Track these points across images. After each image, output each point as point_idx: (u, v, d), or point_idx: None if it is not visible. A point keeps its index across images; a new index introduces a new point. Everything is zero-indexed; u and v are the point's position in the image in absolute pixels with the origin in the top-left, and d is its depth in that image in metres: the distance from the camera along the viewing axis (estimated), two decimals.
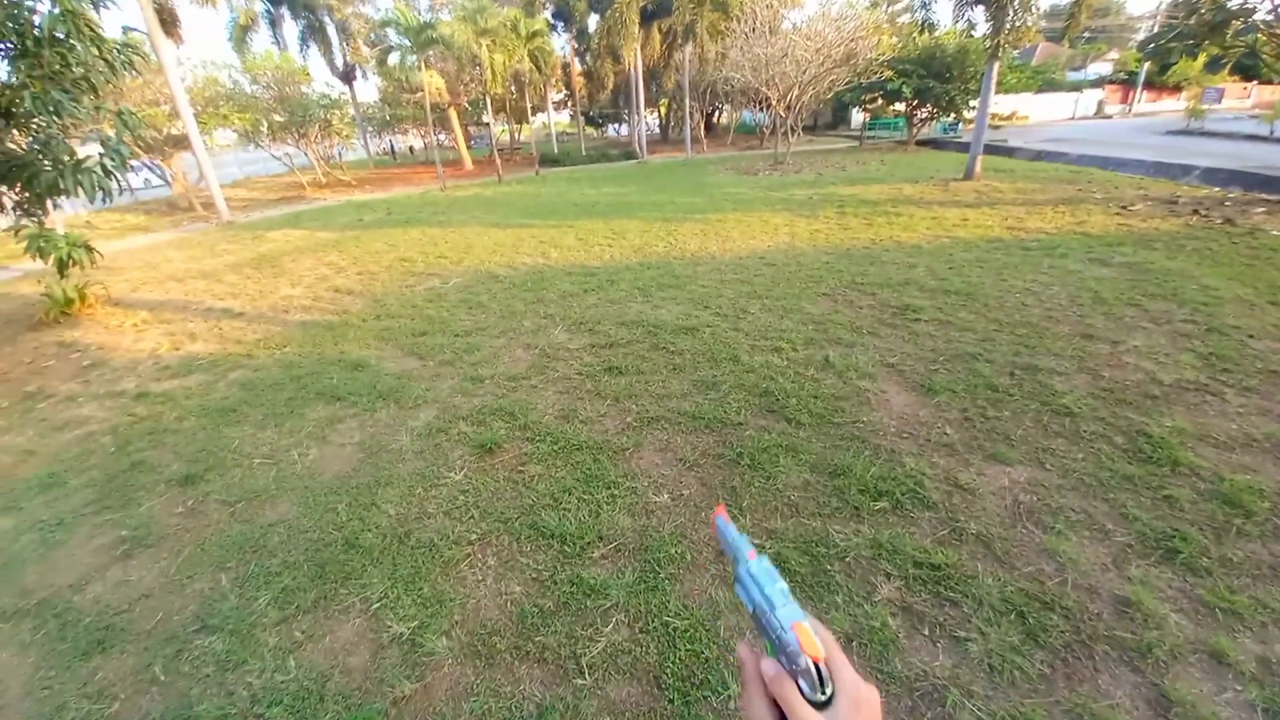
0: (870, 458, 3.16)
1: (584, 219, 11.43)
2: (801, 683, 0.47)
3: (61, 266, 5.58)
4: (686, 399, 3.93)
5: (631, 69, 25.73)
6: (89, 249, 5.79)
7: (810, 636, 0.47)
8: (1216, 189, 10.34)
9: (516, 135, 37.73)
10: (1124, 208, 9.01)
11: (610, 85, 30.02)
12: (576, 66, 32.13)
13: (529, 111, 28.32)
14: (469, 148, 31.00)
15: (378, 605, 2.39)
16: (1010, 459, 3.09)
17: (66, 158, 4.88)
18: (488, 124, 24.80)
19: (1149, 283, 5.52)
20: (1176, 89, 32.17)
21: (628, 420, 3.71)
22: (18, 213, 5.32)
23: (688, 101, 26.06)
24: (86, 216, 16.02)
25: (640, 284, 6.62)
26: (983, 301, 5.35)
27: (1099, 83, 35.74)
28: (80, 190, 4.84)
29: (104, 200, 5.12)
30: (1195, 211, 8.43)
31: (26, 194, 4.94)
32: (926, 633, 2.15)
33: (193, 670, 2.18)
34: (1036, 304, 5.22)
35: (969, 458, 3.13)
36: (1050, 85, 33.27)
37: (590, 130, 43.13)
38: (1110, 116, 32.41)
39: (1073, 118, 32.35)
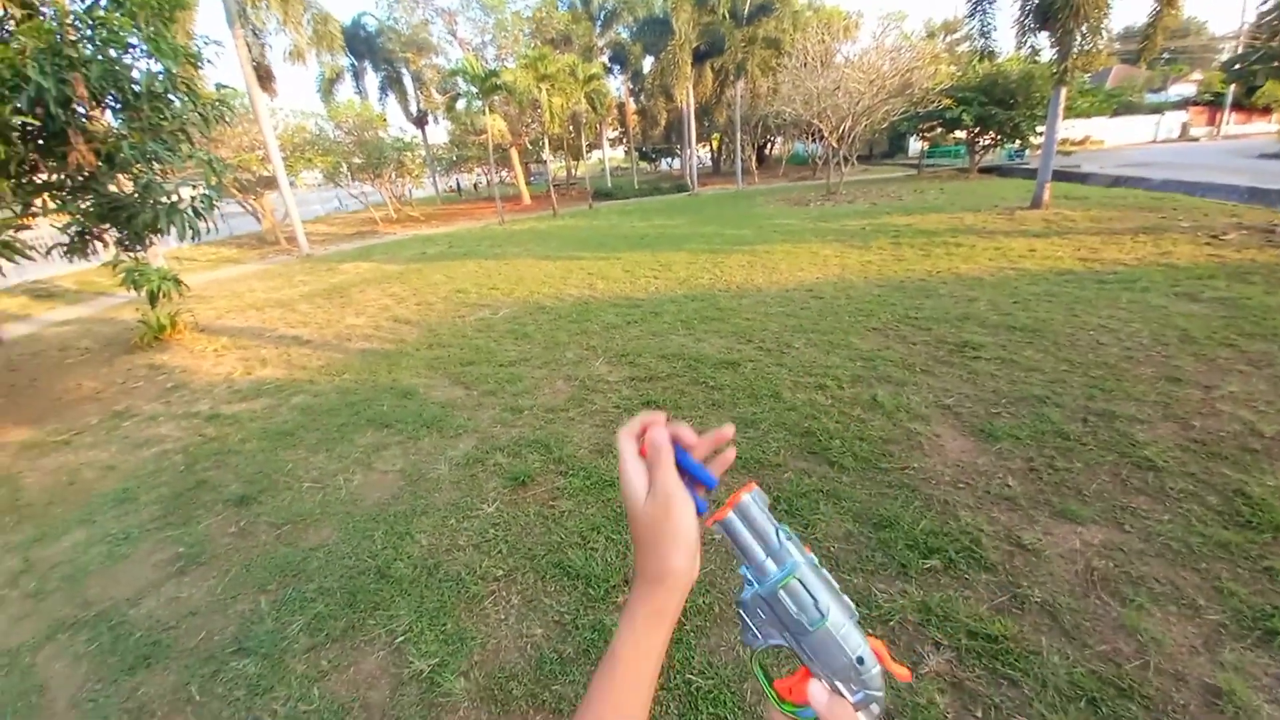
0: (920, 509, 2.94)
1: (632, 251, 11.60)
2: (863, 717, 0.41)
3: (153, 298, 6.16)
4: None
5: (684, 106, 26.37)
6: (177, 282, 6.37)
7: (887, 652, 0.41)
8: None
9: (573, 171, 39.23)
10: (1215, 237, 8.26)
11: (663, 122, 30.88)
12: (631, 105, 33.26)
13: (585, 148, 29.45)
14: (528, 183, 32.49)
15: (402, 639, 2.39)
16: (1082, 517, 2.79)
17: (164, 200, 5.42)
18: (545, 161, 25.91)
19: (1245, 320, 4.98)
20: (1267, 110, 29.77)
21: None
22: (119, 248, 5.93)
23: (739, 135, 26.36)
24: (187, 250, 17.73)
25: (683, 316, 6.59)
26: (1051, 339, 4.98)
27: (1182, 105, 33.58)
28: (173, 229, 5.35)
29: (194, 239, 5.64)
30: None
31: (126, 231, 5.51)
32: (980, 715, 1.92)
33: (225, 693, 2.24)
34: (1114, 342, 4.80)
35: (1034, 514, 2.85)
36: (1127, 108, 31.49)
37: (643, 164, 44.30)
38: (1197, 139, 30.27)
39: (1154, 141, 30.44)
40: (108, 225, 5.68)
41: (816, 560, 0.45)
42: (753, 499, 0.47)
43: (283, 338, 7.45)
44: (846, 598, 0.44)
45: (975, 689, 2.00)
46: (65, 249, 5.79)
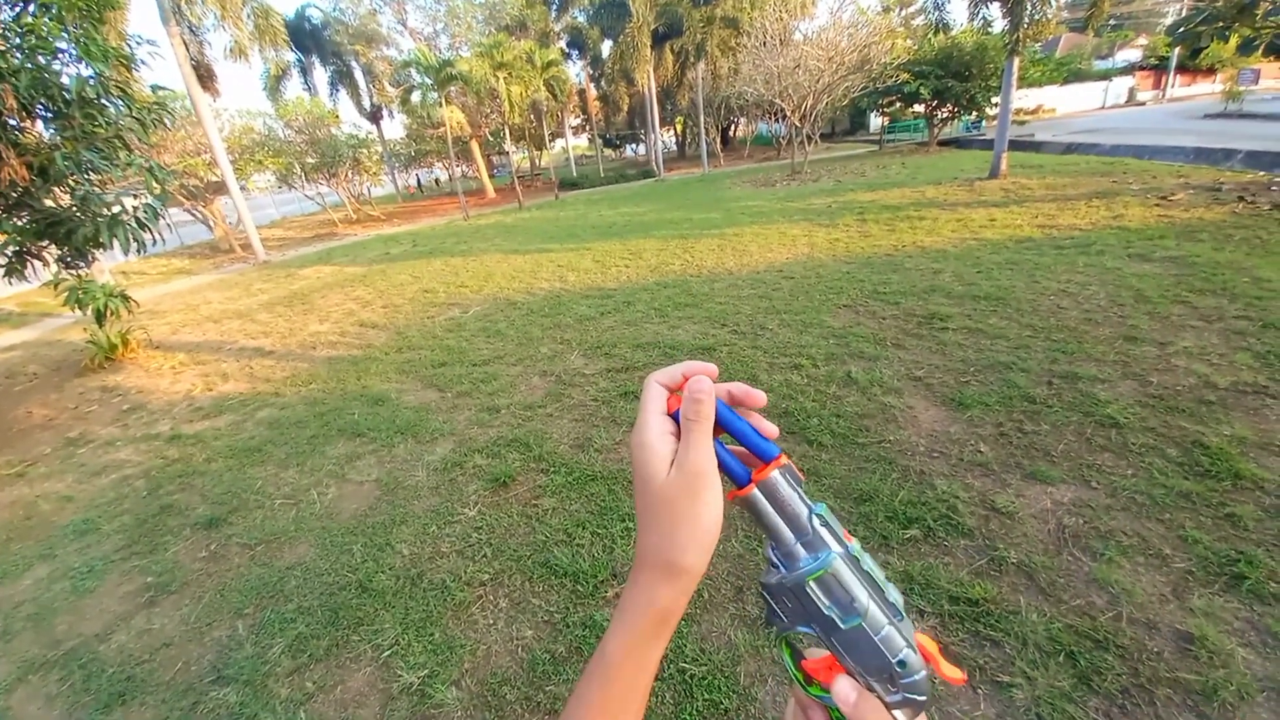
0: (898, 480, 2.99)
1: (601, 240, 11.50)
2: (899, 715, 0.36)
3: (99, 317, 5.86)
4: None
5: (645, 90, 26.10)
6: (125, 298, 6.06)
7: (939, 655, 0.37)
8: (1262, 173, 9.76)
9: (537, 161, 38.59)
10: (1164, 198, 8.56)
11: (626, 107, 30.52)
12: (592, 91, 32.80)
13: (548, 138, 28.95)
14: (491, 176, 31.85)
15: (389, 652, 2.34)
16: (1052, 478, 2.88)
17: (104, 212, 5.14)
18: (508, 153, 25.43)
19: (1196, 277, 5.19)
20: (1211, 72, 30.91)
21: None
22: (61, 266, 5.61)
23: (702, 118, 26.23)
24: (136, 263, 16.93)
25: (657, 304, 6.57)
26: (1015, 306, 5.11)
27: (1129, 70, 34.63)
28: (116, 242, 5.08)
29: (138, 251, 5.37)
30: (1241, 198, 7.95)
31: (66, 247, 5.21)
32: (965, 679, 1.97)
33: None
34: (1073, 306, 4.95)
35: (1006, 478, 2.93)
36: (1077, 76, 32.33)
37: (608, 152, 43.84)
38: (1143, 103, 31.28)
39: (1103, 107, 31.35)
40: (46, 242, 5.36)
41: (859, 547, 0.40)
42: (782, 474, 0.40)
43: (244, 350, 7.18)
44: (894, 590, 0.39)
45: (960, 653, 2.06)
46: (2, 270, 5.45)
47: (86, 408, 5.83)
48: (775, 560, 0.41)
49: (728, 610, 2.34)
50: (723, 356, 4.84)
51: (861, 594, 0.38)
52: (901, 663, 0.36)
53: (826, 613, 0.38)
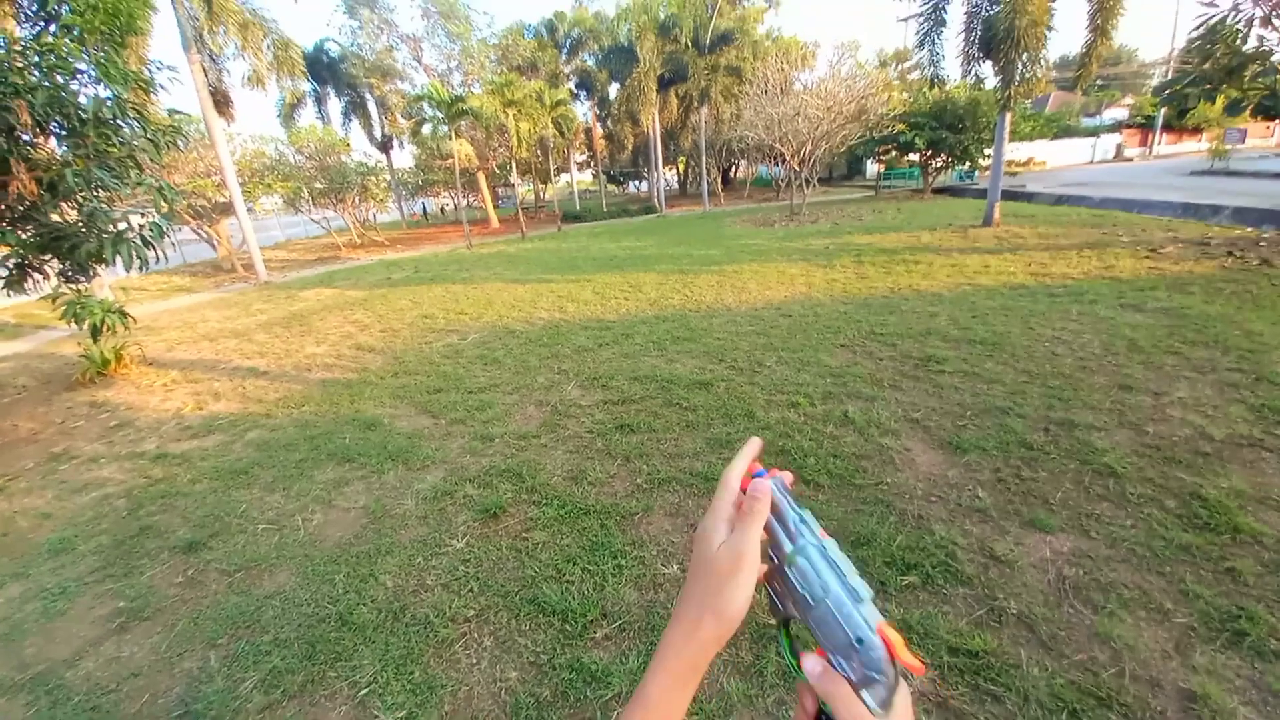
0: (896, 524, 2.95)
1: (602, 273, 11.62)
2: (866, 695, 0.42)
3: (95, 332, 5.83)
4: (699, 458, 3.78)
5: (650, 130, 26.87)
6: (123, 314, 6.04)
7: (902, 643, 0.42)
8: (1249, 229, 10.03)
9: (541, 194, 39.36)
10: (1154, 250, 8.76)
11: (630, 146, 31.32)
12: (598, 130, 33.70)
13: (553, 172, 29.61)
14: (496, 207, 32.38)
15: (366, 691, 2.24)
16: (1050, 526, 2.84)
17: (110, 229, 5.17)
18: (514, 184, 25.93)
19: (1188, 329, 5.26)
20: (1197, 131, 32.10)
21: (638, 482, 3.58)
22: (61, 280, 5.61)
23: (704, 158, 26.94)
24: (137, 279, 16.99)
25: (655, 337, 6.59)
26: (1010, 351, 5.15)
27: (1116, 127, 35.90)
28: (119, 259, 5.10)
29: (141, 268, 5.39)
30: (1230, 253, 8.14)
31: (69, 262, 5.23)
32: None
33: None
34: (1068, 353, 4.99)
35: (1005, 524, 2.90)
36: (1066, 131, 33.52)
37: (611, 187, 44.80)
38: (1130, 160, 32.32)
39: (1091, 162, 32.35)
40: (49, 256, 5.38)
41: (834, 545, 0.47)
42: (775, 485, 0.52)
43: (238, 369, 7.14)
44: (861, 583, 0.45)
45: (960, 707, 1.98)
46: (1, 282, 5.45)
47: (73, 423, 5.74)
48: (771, 555, 0.50)
49: (720, 656, 2.26)
50: (720, 392, 4.83)
51: (828, 575, 0.45)
52: (859, 639, 0.42)
53: (801, 592, 0.46)
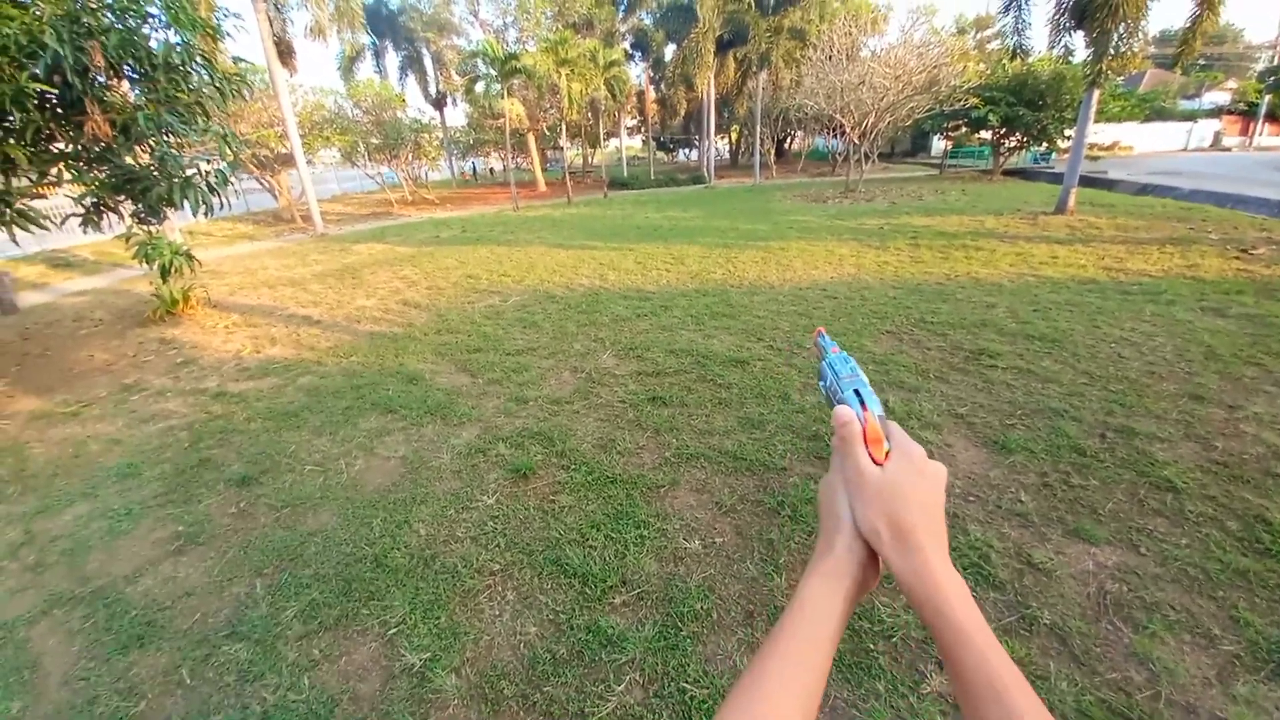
0: None
1: (645, 242, 11.50)
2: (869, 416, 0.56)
3: (164, 272, 6.17)
4: (729, 436, 3.75)
5: (704, 96, 26.03)
6: (190, 257, 6.37)
7: (864, 404, 0.56)
8: None
9: (589, 159, 38.96)
10: (1244, 251, 8.01)
11: (683, 111, 30.47)
12: (651, 94, 32.91)
13: (603, 136, 29.19)
14: (544, 170, 32.31)
15: (395, 631, 2.37)
16: (1096, 537, 2.70)
17: (180, 174, 5.41)
18: (562, 148, 25.74)
19: (1273, 339, 4.82)
20: None
21: (666, 455, 3.58)
22: (134, 220, 5.93)
23: (759, 128, 25.98)
24: (203, 225, 17.86)
25: (694, 311, 6.51)
26: (1071, 350, 4.85)
27: (1215, 113, 32.63)
28: (186, 203, 5.34)
29: (206, 214, 5.63)
30: None
31: (141, 204, 5.51)
32: None
33: (216, 677, 2.23)
34: (1136, 356, 4.66)
35: (1046, 532, 2.77)
36: (1159, 114, 30.68)
37: (660, 154, 43.90)
38: (1229, 149, 29.42)
39: (1185, 149, 29.63)
40: (122, 197, 5.68)
41: (847, 364, 0.61)
42: (821, 338, 0.68)
43: (293, 317, 7.46)
44: (862, 379, 0.59)
45: None
46: (80, 220, 5.80)
47: (144, 357, 6.15)
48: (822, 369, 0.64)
49: (735, 634, 2.28)
50: (756, 370, 4.75)
51: (843, 368, 0.60)
52: (857, 391, 0.57)
53: (830, 374, 0.61)
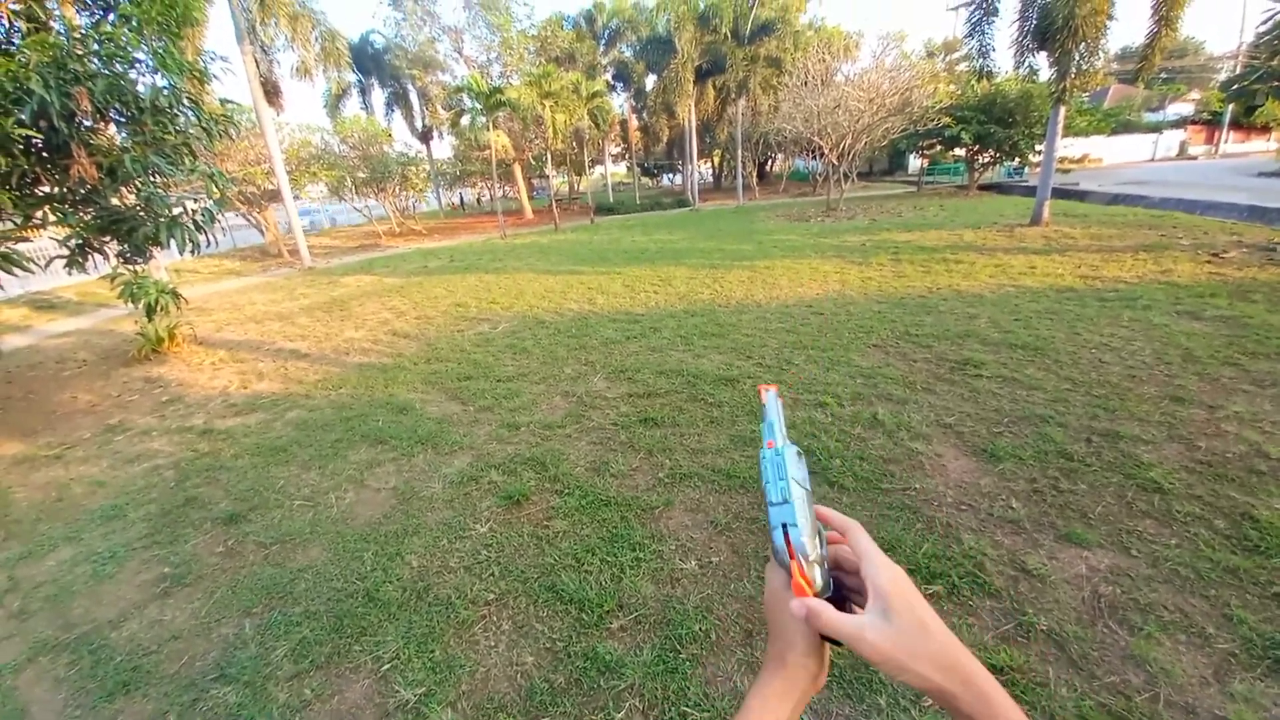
0: (923, 531, 2.88)
1: (632, 265, 11.62)
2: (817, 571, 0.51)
3: (150, 311, 6.13)
4: (722, 455, 3.76)
5: (686, 123, 26.63)
6: (176, 295, 6.35)
7: (800, 579, 0.50)
8: None
9: (575, 186, 39.53)
10: (1215, 255, 8.25)
11: (665, 138, 31.17)
12: (634, 122, 33.59)
13: (587, 164, 29.68)
14: (530, 198, 32.67)
15: (388, 666, 2.32)
16: (1088, 541, 2.73)
17: (166, 213, 5.43)
18: (548, 176, 26.12)
19: (1248, 339, 4.94)
20: (1266, 129, 30.03)
21: (660, 476, 3.58)
22: (119, 260, 5.92)
23: (740, 151, 26.58)
24: (190, 262, 17.81)
25: (683, 332, 6.57)
26: (1053, 357, 4.94)
27: (1180, 123, 33.85)
28: (173, 242, 5.35)
29: (193, 252, 5.63)
30: None
31: (127, 244, 5.51)
32: None
33: None
34: (1116, 361, 4.76)
35: (1038, 537, 2.79)
36: (1125, 127, 31.75)
37: (645, 180, 44.65)
38: (1195, 158, 30.48)
39: (1152, 159, 30.65)
40: (108, 237, 5.68)
41: (780, 468, 0.55)
42: (767, 403, 0.61)
43: (280, 351, 7.42)
44: (796, 481, 0.54)
45: None
46: (65, 261, 5.78)
47: (128, 397, 6.07)
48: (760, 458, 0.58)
49: (735, 655, 2.26)
50: (745, 388, 4.78)
51: (774, 471, 0.55)
52: (785, 526, 0.51)
53: (765, 475, 0.55)
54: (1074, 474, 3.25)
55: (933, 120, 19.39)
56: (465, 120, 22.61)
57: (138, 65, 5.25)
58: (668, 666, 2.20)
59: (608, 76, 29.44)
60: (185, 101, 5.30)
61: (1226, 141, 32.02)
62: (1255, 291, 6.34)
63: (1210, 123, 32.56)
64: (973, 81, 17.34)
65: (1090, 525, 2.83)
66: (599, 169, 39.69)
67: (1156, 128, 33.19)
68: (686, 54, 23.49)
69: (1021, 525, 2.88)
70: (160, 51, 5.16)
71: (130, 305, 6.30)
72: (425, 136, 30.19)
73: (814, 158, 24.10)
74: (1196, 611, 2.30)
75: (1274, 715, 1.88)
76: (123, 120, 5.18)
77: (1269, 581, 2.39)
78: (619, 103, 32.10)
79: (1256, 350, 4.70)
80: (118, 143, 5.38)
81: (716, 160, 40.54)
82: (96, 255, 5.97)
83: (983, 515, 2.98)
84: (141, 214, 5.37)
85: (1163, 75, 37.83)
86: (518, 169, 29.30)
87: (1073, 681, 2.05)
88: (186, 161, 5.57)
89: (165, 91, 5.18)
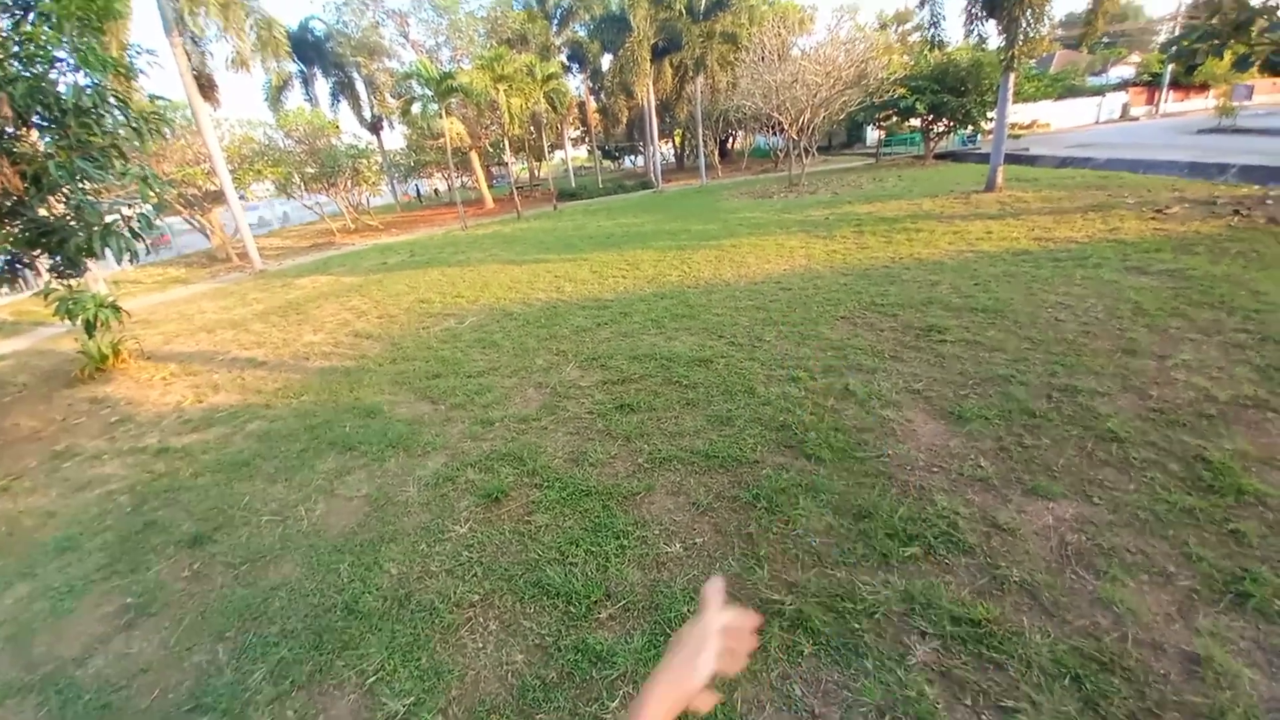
0: (898, 496, 2.94)
1: (599, 251, 11.49)
2: None
3: (89, 327, 5.79)
4: (700, 436, 3.77)
5: (644, 103, 26.31)
6: (116, 309, 6.00)
7: None
8: (1256, 186, 9.83)
9: (536, 172, 38.80)
10: (1159, 211, 8.60)
11: (625, 119, 30.77)
12: (592, 104, 33.06)
13: (547, 149, 29.12)
14: (490, 187, 31.94)
15: (374, 679, 2.26)
16: (1053, 493, 2.83)
17: (97, 222, 5.09)
18: (507, 163, 25.54)
19: (1193, 291, 5.18)
20: (1204, 88, 31.29)
21: (639, 461, 3.57)
22: (53, 275, 5.55)
23: (700, 130, 26.43)
24: (131, 272, 16.90)
25: (653, 315, 6.54)
26: (1013, 319, 5.09)
27: (1122, 86, 35.02)
28: (109, 252, 5.04)
29: (132, 260, 5.32)
30: (1236, 212, 7.99)
31: (59, 256, 5.17)
32: (969, 702, 1.91)
33: None
34: (1071, 319, 4.93)
35: (1007, 493, 2.88)
36: (1071, 92, 32.68)
37: (607, 163, 44.10)
38: (1136, 119, 31.62)
39: (1097, 122, 31.66)
40: (38, 251, 5.31)
41: None
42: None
43: (236, 360, 7.11)
44: None
45: (963, 676, 1.99)
46: None
47: (74, 420, 5.75)
48: None
49: None
50: (719, 368, 4.79)
51: None
52: None
53: None
54: (1037, 430, 3.37)
55: (888, 91, 19.63)
56: (416, 108, 21.89)
57: (58, 64, 4.87)
58: (659, 651, 2.20)
59: (562, 58, 28.84)
60: (111, 100, 4.95)
61: (1166, 102, 33.26)
62: (1198, 245, 6.63)
63: (1150, 84, 33.72)
64: (925, 52, 17.56)
65: (1054, 478, 2.94)
66: (559, 154, 39.00)
67: (1100, 91, 34.26)
68: (642, 31, 23.08)
69: (990, 483, 2.97)
70: (81, 48, 4.79)
71: (68, 322, 5.92)
72: (375, 127, 29.10)
73: (774, 134, 24.14)
74: (1157, 552, 2.41)
75: (1241, 648, 1.98)
76: (45, 124, 4.82)
77: (1224, 519, 2.52)
78: (575, 84, 31.52)
79: (1201, 300, 4.93)
80: (41, 149, 5.00)
81: (678, 140, 40.26)
82: (27, 271, 5.59)
83: (954, 476, 3.06)
84: (72, 223, 5.03)
85: (1105, 40, 38.92)
86: (475, 157, 28.54)
87: (1046, 628, 2.13)
88: (116, 164, 5.22)
89: (89, 91, 4.82)
